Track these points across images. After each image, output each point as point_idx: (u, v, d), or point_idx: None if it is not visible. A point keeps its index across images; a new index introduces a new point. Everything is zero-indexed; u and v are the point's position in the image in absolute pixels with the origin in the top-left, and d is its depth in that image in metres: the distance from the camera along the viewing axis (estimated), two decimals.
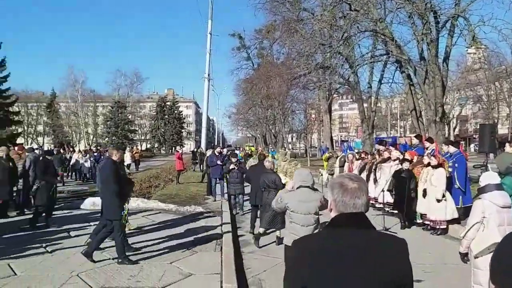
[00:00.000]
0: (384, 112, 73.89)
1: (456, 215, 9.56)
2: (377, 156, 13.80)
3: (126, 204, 6.98)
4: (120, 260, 6.80)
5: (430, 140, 12.19)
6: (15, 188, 11.41)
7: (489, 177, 4.76)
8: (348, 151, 18.01)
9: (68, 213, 11.63)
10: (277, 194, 5.74)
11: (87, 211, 12.09)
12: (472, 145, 61.84)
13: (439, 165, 9.69)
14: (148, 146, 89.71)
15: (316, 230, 5.21)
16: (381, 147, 14.20)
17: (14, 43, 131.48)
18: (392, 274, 1.84)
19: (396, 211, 10.70)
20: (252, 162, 14.19)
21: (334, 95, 44.45)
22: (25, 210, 11.55)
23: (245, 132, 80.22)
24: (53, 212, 10.54)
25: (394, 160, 11.78)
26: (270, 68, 42.95)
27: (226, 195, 13.65)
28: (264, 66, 46.12)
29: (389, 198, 10.94)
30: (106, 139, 74.18)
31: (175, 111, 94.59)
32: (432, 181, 9.60)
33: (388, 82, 23.98)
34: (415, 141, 13.31)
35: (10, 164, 11.12)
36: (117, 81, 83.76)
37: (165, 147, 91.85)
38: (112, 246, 7.18)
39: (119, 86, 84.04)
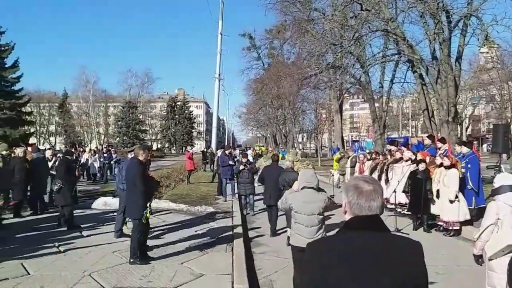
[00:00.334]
0: (395, 112, 73.48)
1: (468, 217, 9.46)
2: (388, 157, 13.71)
3: (149, 204, 7.07)
4: (132, 260, 6.84)
5: (442, 140, 12.09)
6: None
7: (504, 179, 4.69)
8: (359, 151, 17.92)
9: (80, 212, 11.72)
10: (283, 195, 5.76)
11: (99, 211, 12.19)
12: (484, 145, 61.28)
13: (452, 165, 9.59)
14: (159, 146, 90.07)
15: (321, 230, 5.24)
16: (393, 148, 14.10)
17: (27, 43, 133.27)
18: (407, 277, 1.82)
19: (410, 213, 10.54)
20: (263, 162, 14.18)
21: (345, 95, 44.33)
22: (38, 210, 11.66)
23: (255, 132, 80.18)
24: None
25: (406, 161, 11.68)
26: (280, 68, 42.90)
27: (236, 195, 13.65)
28: (275, 66, 46.10)
29: (401, 199, 10.85)
30: (117, 139, 74.65)
31: (186, 111, 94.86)
32: (444, 182, 9.50)
33: (399, 82, 23.80)
34: (427, 141, 13.19)
35: (27, 165, 11.28)
36: (128, 81, 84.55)
37: (175, 147, 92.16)
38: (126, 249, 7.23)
39: (130, 86, 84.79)
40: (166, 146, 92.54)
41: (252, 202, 12.68)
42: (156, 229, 9.70)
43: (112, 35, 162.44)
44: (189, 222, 10.74)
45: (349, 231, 1.94)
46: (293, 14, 29.53)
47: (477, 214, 9.45)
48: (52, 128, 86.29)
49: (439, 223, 9.81)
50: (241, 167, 12.62)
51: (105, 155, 23.50)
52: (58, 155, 14.58)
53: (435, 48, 17.04)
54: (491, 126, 19.25)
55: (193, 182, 20.14)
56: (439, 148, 11.45)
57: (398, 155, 12.65)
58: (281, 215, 9.13)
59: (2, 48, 38.55)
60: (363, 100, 51.52)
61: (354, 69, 23.51)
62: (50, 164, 12.97)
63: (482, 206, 9.59)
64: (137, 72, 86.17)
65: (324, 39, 20.95)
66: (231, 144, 49.60)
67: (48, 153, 13.97)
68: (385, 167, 12.98)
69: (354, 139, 70.46)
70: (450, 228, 9.46)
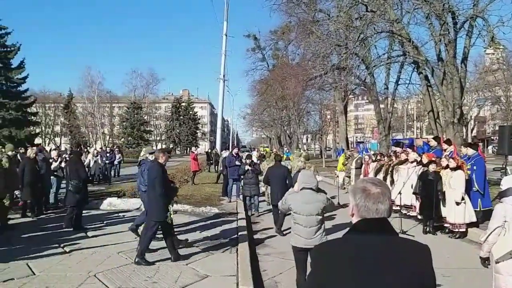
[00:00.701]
0: (400, 113, 73.24)
1: (474, 219, 9.40)
2: (394, 158, 13.66)
3: (171, 207, 7.16)
4: (137, 260, 6.86)
5: (448, 142, 12.04)
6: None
7: (511, 181, 4.67)
8: (364, 153, 17.88)
9: (85, 213, 11.73)
10: (284, 195, 5.80)
11: (104, 212, 12.22)
12: (490, 147, 60.97)
13: (458, 167, 9.53)
14: (164, 146, 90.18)
15: (320, 231, 5.25)
16: (398, 149, 14.06)
17: (33, 44, 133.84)
18: (414, 280, 1.81)
19: (422, 216, 10.33)
20: (266, 165, 14.17)
21: (350, 96, 44.27)
22: (43, 210, 11.71)
23: (260, 133, 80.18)
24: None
25: (412, 162, 11.63)
26: (285, 69, 42.88)
27: (241, 196, 13.66)
28: (279, 67, 46.09)
29: (406, 201, 10.80)
30: (122, 139, 74.79)
31: (190, 112, 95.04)
32: (451, 184, 9.44)
33: (405, 83, 23.75)
34: (433, 143, 13.14)
35: (37, 166, 11.35)
36: (133, 82, 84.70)
37: (180, 147, 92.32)
38: (132, 249, 7.23)
39: (135, 87, 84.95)
40: (170, 146, 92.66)
41: (257, 203, 12.67)
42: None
43: (117, 35, 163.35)
44: (194, 223, 10.75)
45: (356, 233, 1.93)
46: (298, 15, 29.59)
47: (483, 216, 9.40)
48: (57, 128, 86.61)
49: (445, 225, 9.76)
50: (247, 167, 12.63)
51: (108, 155, 23.35)
52: (64, 155, 14.64)
53: (441, 49, 17.00)
54: (497, 128, 19.15)
55: (197, 183, 20.15)
56: (445, 150, 11.40)
57: (403, 156, 12.60)
58: (287, 214, 9.13)
59: (8, 49, 38.79)
60: (368, 101, 51.36)
61: (359, 70, 23.51)
62: (56, 164, 13.00)
63: (488, 208, 9.54)
64: (142, 73, 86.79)
65: (329, 40, 20.93)
66: (235, 145, 49.59)
67: (53, 154, 14.01)
68: (390, 169, 12.94)
69: (358, 140, 70.36)
70: (456, 230, 9.40)
